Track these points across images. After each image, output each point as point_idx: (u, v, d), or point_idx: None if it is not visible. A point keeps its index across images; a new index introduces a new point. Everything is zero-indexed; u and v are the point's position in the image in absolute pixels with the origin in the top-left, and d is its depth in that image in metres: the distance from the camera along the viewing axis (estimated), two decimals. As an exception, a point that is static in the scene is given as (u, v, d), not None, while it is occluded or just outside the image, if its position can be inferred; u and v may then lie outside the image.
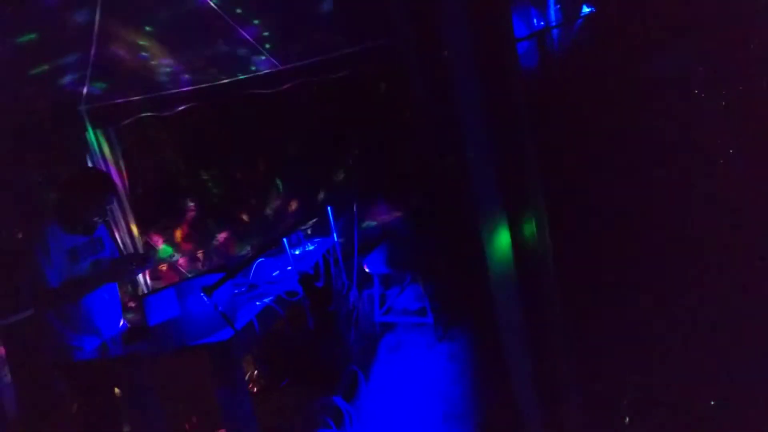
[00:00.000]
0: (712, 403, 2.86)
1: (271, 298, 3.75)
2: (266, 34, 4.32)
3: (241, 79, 4.95)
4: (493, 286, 2.80)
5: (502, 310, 2.80)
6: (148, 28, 3.89)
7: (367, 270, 5.08)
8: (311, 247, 4.86)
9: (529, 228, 2.65)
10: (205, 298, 2.83)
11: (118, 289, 3.54)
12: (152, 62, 4.42)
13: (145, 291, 5.30)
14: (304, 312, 4.25)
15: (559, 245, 2.64)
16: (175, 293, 3.05)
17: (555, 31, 3.80)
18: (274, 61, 4.73)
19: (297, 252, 4.75)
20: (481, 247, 2.80)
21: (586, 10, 3.71)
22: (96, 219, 3.24)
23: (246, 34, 4.21)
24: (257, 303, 3.66)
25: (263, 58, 4.64)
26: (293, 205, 6.11)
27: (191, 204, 6.53)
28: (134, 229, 5.41)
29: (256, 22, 4.10)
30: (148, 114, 5.13)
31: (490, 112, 2.56)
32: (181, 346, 2.98)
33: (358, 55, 4.52)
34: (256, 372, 4.46)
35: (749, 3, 3.33)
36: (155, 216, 6.28)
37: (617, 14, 3.56)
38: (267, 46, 4.48)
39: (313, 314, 4.25)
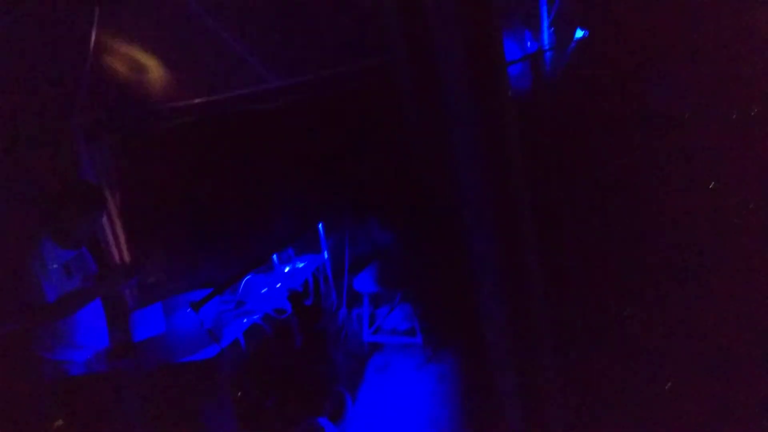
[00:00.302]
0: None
1: (258, 315, 3.72)
2: (262, 50, 4.34)
3: (236, 95, 4.96)
4: (481, 308, 2.79)
5: (490, 332, 2.79)
6: (142, 43, 3.90)
7: (356, 289, 5.05)
8: (301, 265, 4.84)
9: (518, 249, 2.65)
10: (192, 314, 2.80)
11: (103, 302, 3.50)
12: (146, 77, 4.42)
13: (131, 306, 5.24)
14: (292, 330, 4.22)
15: (548, 266, 2.63)
16: (161, 309, 3.01)
17: (548, 54, 3.84)
18: (270, 78, 4.75)
19: (286, 269, 4.73)
20: (469, 268, 2.79)
21: (579, 34, 3.76)
22: (87, 233, 3.23)
23: (242, 50, 4.23)
24: (245, 320, 3.63)
25: (258, 74, 4.65)
26: (284, 222, 6.10)
27: (182, 219, 6.49)
28: (122, 243, 5.36)
29: (252, 38, 4.13)
30: (141, 129, 5.11)
31: (481, 133, 2.57)
32: (167, 363, 2.93)
33: (352, 74, 4.55)
34: (241, 391, 4.39)
35: (742, 30, 3.40)
36: (145, 231, 6.23)
37: (610, 39, 3.60)
38: (262, 62, 4.50)
39: (300, 333, 4.21)
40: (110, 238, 5.21)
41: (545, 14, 3.78)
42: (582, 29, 3.81)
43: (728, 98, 3.40)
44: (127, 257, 5.30)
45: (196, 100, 5.00)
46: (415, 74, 2.78)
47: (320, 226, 5.02)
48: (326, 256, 4.98)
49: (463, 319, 3.87)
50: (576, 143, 3.30)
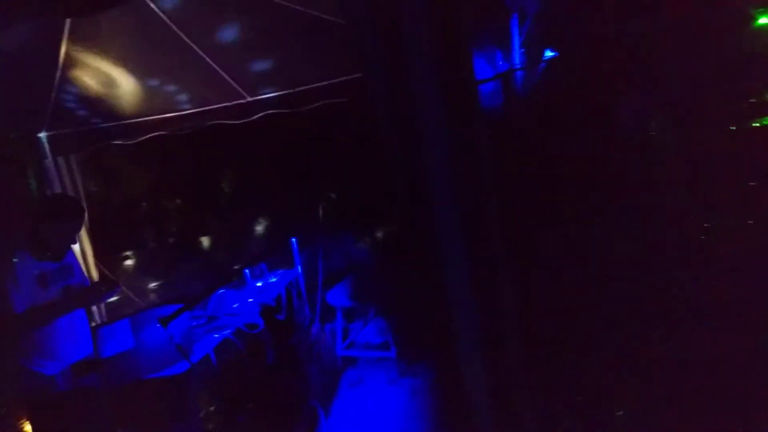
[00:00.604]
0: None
1: (230, 330, 3.69)
2: (236, 65, 4.35)
3: (209, 109, 4.95)
4: (454, 322, 2.81)
5: (464, 346, 2.81)
6: (113, 54, 3.87)
7: (330, 303, 5.05)
8: (274, 279, 4.82)
9: (491, 264, 2.69)
10: (162, 330, 2.77)
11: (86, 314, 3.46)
12: (116, 91, 4.38)
13: (99, 321, 5.14)
14: (264, 345, 4.19)
15: (520, 282, 2.68)
16: (129, 325, 2.97)
17: (519, 74, 3.92)
18: (243, 92, 4.75)
19: (259, 284, 4.71)
20: (442, 283, 2.82)
21: (549, 54, 3.85)
22: (66, 245, 3.23)
23: (215, 65, 4.23)
24: (216, 335, 3.60)
25: (232, 88, 4.65)
26: (257, 237, 6.08)
27: (153, 234, 6.42)
28: (91, 257, 5.27)
29: (226, 52, 4.13)
30: (112, 142, 5.06)
31: (452, 151, 2.61)
32: (135, 379, 2.89)
33: (326, 90, 4.59)
34: (212, 407, 4.33)
35: (711, 51, 3.53)
36: (116, 245, 6.15)
37: (581, 59, 3.71)
38: (236, 76, 4.50)
39: (273, 348, 4.18)
40: (83, 252, 5.12)
41: (516, 34, 3.86)
42: (552, 50, 3.91)
43: (700, 117, 3.53)
44: (101, 272, 5.20)
45: (168, 115, 4.97)
46: (387, 92, 2.81)
47: (293, 240, 5.01)
48: (299, 270, 4.96)
49: (436, 333, 3.89)
50: (547, 161, 3.38)
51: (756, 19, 3.65)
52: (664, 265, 3.32)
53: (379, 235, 5.44)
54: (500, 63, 3.89)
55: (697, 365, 2.98)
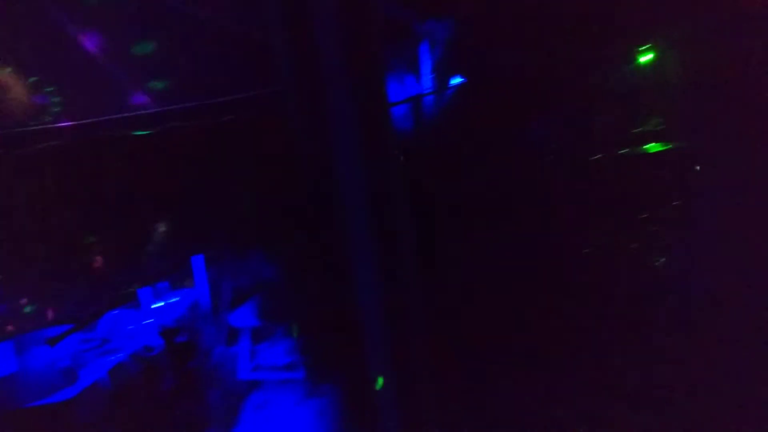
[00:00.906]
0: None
1: (125, 353, 3.48)
2: (141, 75, 4.18)
3: (109, 119, 4.69)
4: (364, 339, 2.82)
5: (373, 364, 2.82)
6: (9, 59, 3.60)
7: (235, 324, 4.88)
8: (175, 299, 4.61)
9: (402, 281, 2.73)
10: (49, 352, 2.56)
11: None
12: (11, 95, 4.06)
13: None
14: (163, 369, 3.98)
15: (432, 299, 2.73)
16: (13, 347, 2.72)
17: (428, 98, 4.08)
18: (152, 102, 4.56)
19: (159, 304, 4.48)
20: (353, 301, 2.82)
21: (458, 80, 4.05)
22: None
23: (123, 72, 4.04)
24: (109, 359, 3.37)
25: (141, 98, 4.45)
26: (156, 254, 5.78)
27: (43, 251, 5.93)
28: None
29: (131, 62, 3.96)
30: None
31: (366, 169, 2.65)
32: (18, 407, 2.64)
33: (235, 104, 4.49)
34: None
35: (602, 84, 3.87)
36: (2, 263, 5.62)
37: (486, 85, 3.92)
38: (141, 87, 4.32)
39: (172, 372, 3.98)
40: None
41: (426, 61, 4.03)
42: (460, 76, 4.12)
43: (594, 142, 3.85)
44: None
45: (64, 124, 4.65)
46: (302, 109, 2.82)
47: (197, 258, 4.82)
48: (203, 289, 4.77)
49: (345, 352, 3.88)
50: (455, 178, 3.51)
51: (640, 57, 4.07)
52: (564, 274, 3.54)
53: (289, 252, 5.34)
54: (411, 87, 4.04)
55: (603, 367, 3.17)
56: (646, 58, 4.06)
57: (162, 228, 5.69)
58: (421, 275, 2.68)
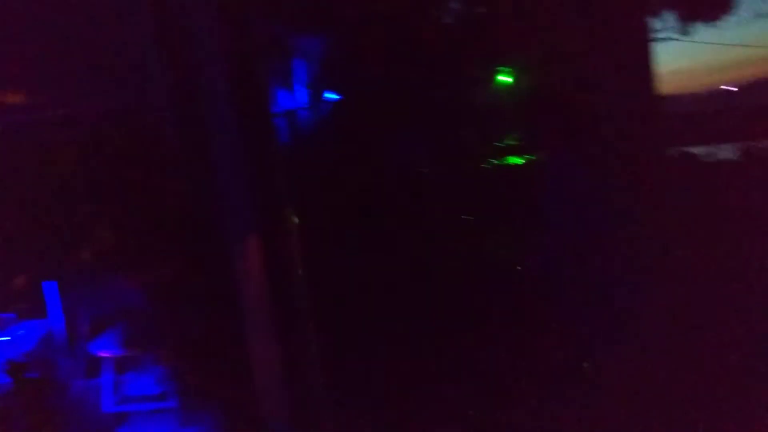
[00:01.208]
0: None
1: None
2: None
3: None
4: (249, 360, 2.74)
5: (257, 386, 2.75)
6: None
7: (96, 353, 4.48)
8: (21, 332, 4.17)
9: (288, 296, 2.69)
10: None
11: None
12: None
13: None
14: (11, 409, 3.56)
15: (320, 311, 2.72)
16: None
17: (303, 112, 4.12)
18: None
19: (3, 339, 4.03)
20: (234, 319, 2.73)
21: (333, 96, 4.15)
22: None
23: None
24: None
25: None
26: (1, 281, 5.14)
27: None
28: None
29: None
30: None
31: (248, 183, 2.60)
32: None
33: (108, 114, 4.17)
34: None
35: (466, 102, 4.16)
36: None
37: (360, 101, 4.04)
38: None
39: (24, 411, 3.57)
40: None
41: (303, 77, 4.09)
42: (335, 92, 4.22)
43: (460, 156, 4.12)
44: None
45: None
46: (180, 125, 2.72)
47: (49, 285, 4.38)
48: (57, 318, 4.33)
49: (226, 377, 3.72)
50: (333, 190, 3.59)
51: (497, 77, 4.45)
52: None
53: (160, 273, 5.01)
54: (287, 101, 4.05)
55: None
56: (506, 78, 4.44)
57: (6, 251, 5.07)
58: (309, 287, 2.67)
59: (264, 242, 2.55)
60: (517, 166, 4.74)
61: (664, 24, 5.19)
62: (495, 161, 4.76)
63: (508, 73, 4.47)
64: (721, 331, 3.29)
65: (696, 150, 5.82)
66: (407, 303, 3.53)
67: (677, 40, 5.32)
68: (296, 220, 2.75)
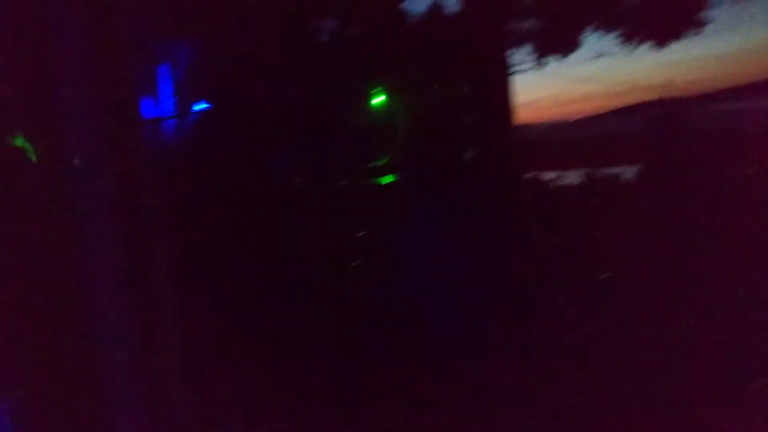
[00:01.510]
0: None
1: None
2: None
3: None
4: (103, 374, 2.57)
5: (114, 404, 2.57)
6: None
7: None
8: None
9: (150, 311, 2.57)
10: None
11: None
12: None
13: None
14: None
15: (184, 324, 2.61)
16: None
17: (172, 121, 3.99)
18: None
19: None
20: (89, 326, 2.57)
21: (202, 106, 4.06)
22: None
23: None
24: None
25: None
26: None
27: None
28: None
29: None
30: None
31: (111, 191, 2.48)
32: None
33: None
34: None
35: (350, 111, 4.31)
36: None
37: (231, 112, 4.00)
38: None
39: None
40: None
41: (171, 86, 3.96)
42: (204, 101, 4.14)
43: (337, 171, 4.22)
44: None
45: None
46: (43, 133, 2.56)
47: None
48: None
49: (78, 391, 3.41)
50: (202, 199, 3.51)
51: (372, 99, 4.62)
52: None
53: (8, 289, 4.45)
54: (155, 109, 3.90)
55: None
56: (379, 99, 4.61)
57: None
58: (172, 295, 2.56)
59: (125, 251, 2.42)
60: (383, 183, 4.91)
61: (523, 57, 5.69)
62: (363, 178, 4.91)
63: (380, 95, 4.63)
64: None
65: (545, 175, 6.36)
66: (270, 310, 3.53)
67: (533, 72, 5.84)
68: (160, 228, 2.64)
